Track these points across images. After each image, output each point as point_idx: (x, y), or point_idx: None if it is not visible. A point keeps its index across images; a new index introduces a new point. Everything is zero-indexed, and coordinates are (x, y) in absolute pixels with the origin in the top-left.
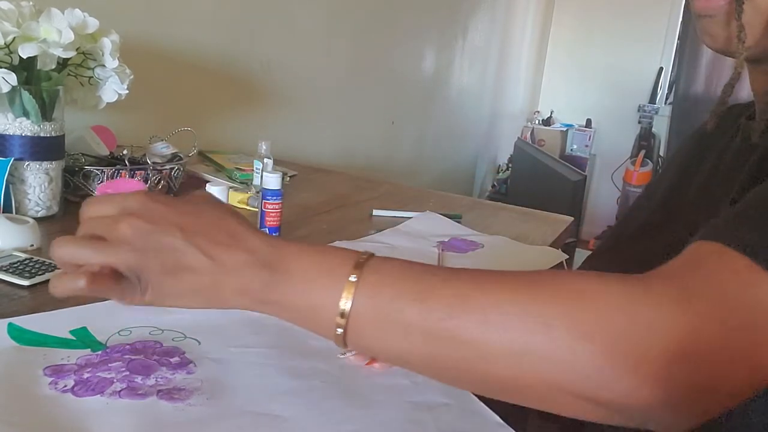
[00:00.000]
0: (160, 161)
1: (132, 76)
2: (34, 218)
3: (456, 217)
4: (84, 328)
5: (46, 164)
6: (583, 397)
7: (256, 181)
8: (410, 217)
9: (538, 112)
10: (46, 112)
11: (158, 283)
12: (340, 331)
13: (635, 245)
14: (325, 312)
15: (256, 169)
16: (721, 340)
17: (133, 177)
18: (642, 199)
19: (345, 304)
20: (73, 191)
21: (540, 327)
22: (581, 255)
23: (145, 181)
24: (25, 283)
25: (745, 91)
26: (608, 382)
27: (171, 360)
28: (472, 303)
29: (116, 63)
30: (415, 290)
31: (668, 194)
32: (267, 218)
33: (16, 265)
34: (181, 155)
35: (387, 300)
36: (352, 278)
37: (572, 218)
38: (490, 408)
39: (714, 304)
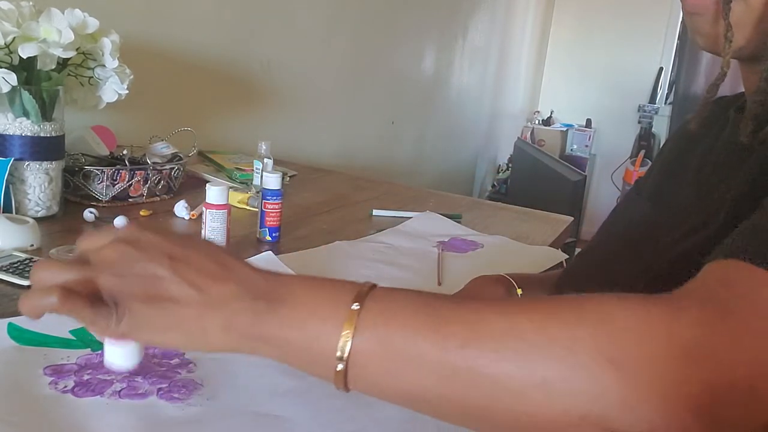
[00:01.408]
0: (160, 161)
1: (132, 76)
2: (34, 218)
3: (456, 217)
4: (84, 328)
5: (46, 164)
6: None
7: (256, 181)
8: (410, 217)
9: (538, 112)
10: (46, 112)
11: (137, 311)
12: (340, 367)
13: (626, 244)
14: (322, 345)
15: (256, 169)
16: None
17: (133, 177)
18: (632, 193)
19: (346, 335)
20: (73, 191)
21: (562, 352)
22: None
23: (145, 181)
24: (25, 283)
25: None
26: (642, 413)
27: (171, 361)
28: (487, 327)
29: (116, 63)
30: (426, 318)
31: (658, 191)
32: (267, 218)
33: (16, 265)
34: (181, 155)
35: (395, 329)
36: (355, 306)
37: (572, 218)
38: None
39: (760, 319)
